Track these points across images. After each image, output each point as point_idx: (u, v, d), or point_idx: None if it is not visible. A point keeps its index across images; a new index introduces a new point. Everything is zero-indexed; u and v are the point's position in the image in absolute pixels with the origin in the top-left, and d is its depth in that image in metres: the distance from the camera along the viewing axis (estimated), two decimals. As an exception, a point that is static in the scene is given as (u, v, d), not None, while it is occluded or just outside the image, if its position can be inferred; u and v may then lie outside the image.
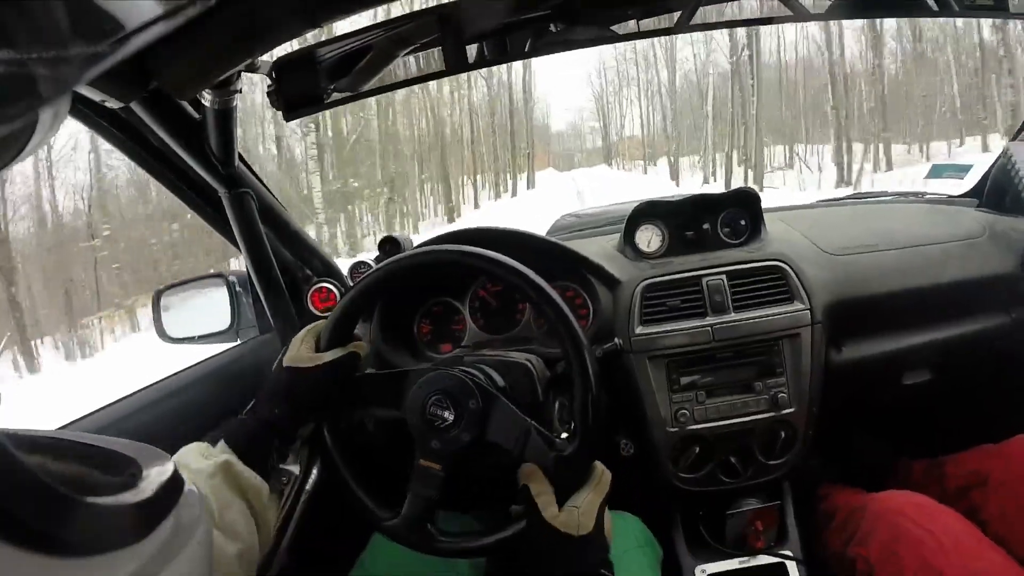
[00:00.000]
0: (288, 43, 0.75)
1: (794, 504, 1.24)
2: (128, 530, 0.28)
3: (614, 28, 0.79)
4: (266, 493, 0.71)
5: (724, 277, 1.16)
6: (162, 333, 1.25)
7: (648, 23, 0.78)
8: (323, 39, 0.80)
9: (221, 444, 0.69)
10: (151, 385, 1.04)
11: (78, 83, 0.23)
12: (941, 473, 1.18)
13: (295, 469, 0.76)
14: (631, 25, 0.80)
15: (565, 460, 0.76)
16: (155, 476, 0.32)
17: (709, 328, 1.13)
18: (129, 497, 0.29)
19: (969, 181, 1.60)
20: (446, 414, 0.79)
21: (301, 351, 0.80)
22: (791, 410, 1.13)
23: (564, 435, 0.82)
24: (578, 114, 35.97)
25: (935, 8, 0.81)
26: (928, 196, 1.63)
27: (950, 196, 1.60)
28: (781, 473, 1.18)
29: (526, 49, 0.78)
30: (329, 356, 0.80)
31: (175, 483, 0.33)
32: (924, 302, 1.25)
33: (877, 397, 1.38)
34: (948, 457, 1.20)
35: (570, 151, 37.38)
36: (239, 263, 1.21)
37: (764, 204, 1.26)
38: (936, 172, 1.89)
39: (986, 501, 1.05)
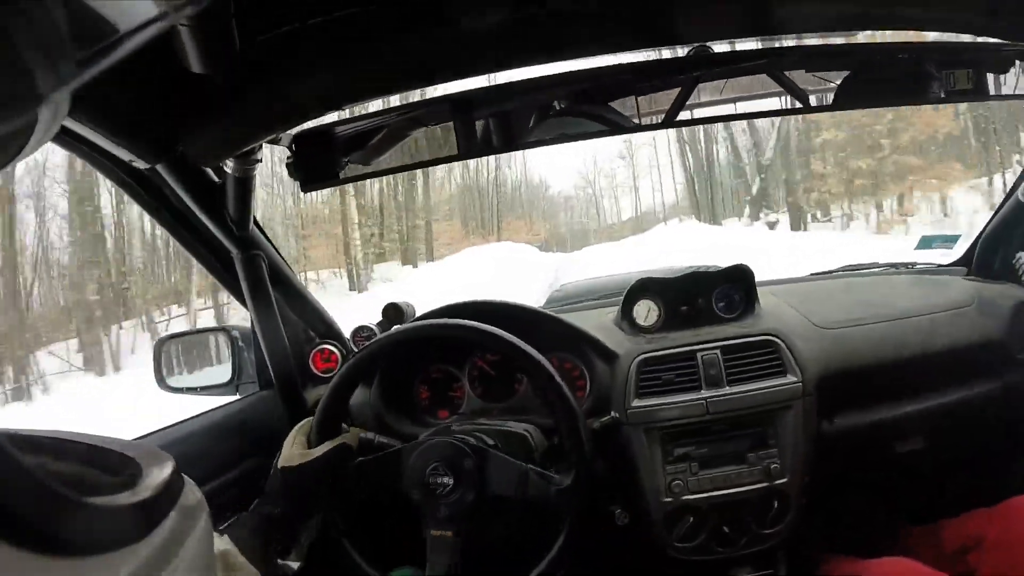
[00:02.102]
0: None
1: (788, 573, 1.24)
2: (128, 530, 0.28)
3: (616, 116, 0.84)
4: None
5: (719, 352, 1.19)
6: (162, 382, 1.26)
7: (649, 114, 0.84)
8: (342, 118, 0.84)
9: (225, 537, 0.71)
10: (148, 435, 1.04)
11: (77, 81, 0.24)
12: (938, 537, 1.19)
13: (294, 564, 0.78)
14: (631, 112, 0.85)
15: (563, 492, 0.81)
16: (155, 476, 0.32)
17: (703, 401, 1.14)
18: (129, 497, 0.29)
19: (958, 250, 1.64)
20: (446, 479, 0.82)
21: (292, 451, 0.84)
22: (784, 480, 1.14)
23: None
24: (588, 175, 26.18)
25: (929, 95, 0.87)
26: (918, 266, 1.66)
27: (939, 265, 1.63)
28: (775, 542, 1.18)
29: (534, 139, 0.82)
30: (319, 451, 0.84)
31: (175, 483, 0.33)
32: (915, 372, 1.27)
33: (870, 465, 1.38)
34: (944, 521, 1.20)
35: (584, 225, 26.13)
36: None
37: (758, 278, 1.30)
38: (925, 243, 1.93)
39: (982, 563, 1.05)
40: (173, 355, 1.30)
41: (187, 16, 0.52)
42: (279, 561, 0.76)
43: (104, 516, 0.27)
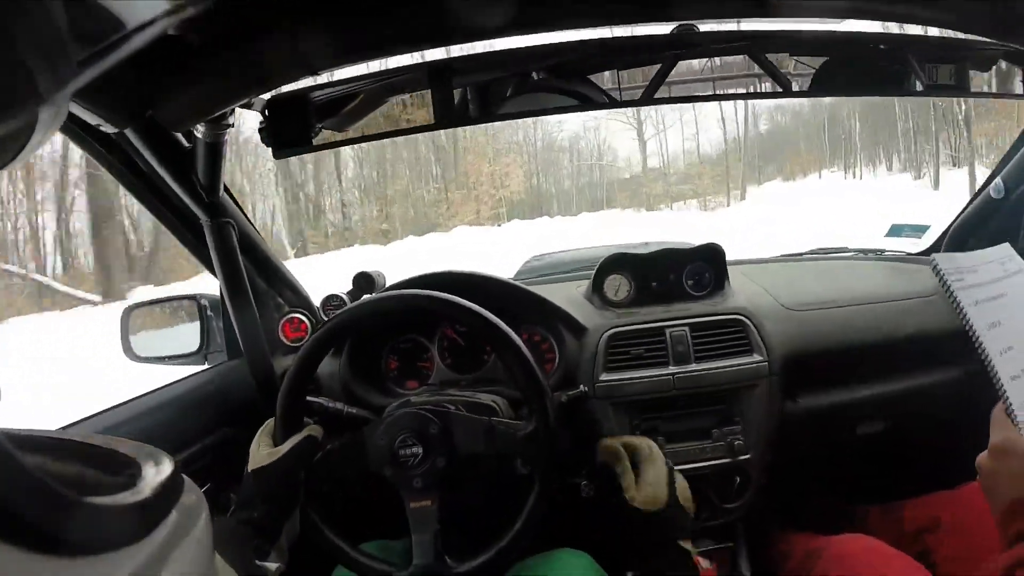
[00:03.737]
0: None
1: (748, 546, 1.28)
2: (128, 530, 0.28)
3: (594, 90, 0.84)
4: None
5: (687, 329, 1.20)
6: (129, 351, 1.24)
7: (629, 89, 0.83)
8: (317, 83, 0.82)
9: None
10: (118, 406, 1.02)
11: (78, 82, 0.24)
12: (897, 517, 1.22)
13: (273, 566, 0.77)
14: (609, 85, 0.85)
15: (530, 437, 0.84)
16: (155, 476, 0.32)
17: (671, 377, 1.17)
18: (129, 497, 0.29)
19: (927, 240, 1.68)
20: (415, 449, 0.82)
21: (259, 452, 0.83)
22: (746, 457, 1.17)
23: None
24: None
25: (907, 88, 0.89)
26: (887, 253, 1.70)
27: (908, 254, 1.67)
28: (735, 516, 1.21)
29: (513, 110, 0.81)
30: (285, 447, 0.83)
31: (175, 483, 0.33)
32: (879, 356, 1.31)
33: (832, 445, 1.42)
34: (904, 502, 1.24)
35: (592, 177, 18.93)
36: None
37: (729, 257, 1.32)
38: (895, 231, 1.97)
39: (939, 544, 1.09)
40: (141, 324, 1.28)
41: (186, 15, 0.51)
42: (257, 563, 0.76)
43: (104, 516, 0.27)
